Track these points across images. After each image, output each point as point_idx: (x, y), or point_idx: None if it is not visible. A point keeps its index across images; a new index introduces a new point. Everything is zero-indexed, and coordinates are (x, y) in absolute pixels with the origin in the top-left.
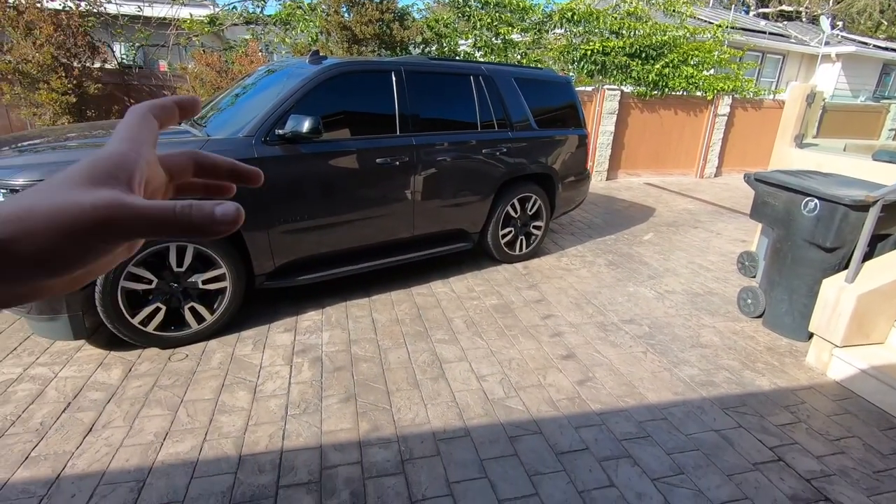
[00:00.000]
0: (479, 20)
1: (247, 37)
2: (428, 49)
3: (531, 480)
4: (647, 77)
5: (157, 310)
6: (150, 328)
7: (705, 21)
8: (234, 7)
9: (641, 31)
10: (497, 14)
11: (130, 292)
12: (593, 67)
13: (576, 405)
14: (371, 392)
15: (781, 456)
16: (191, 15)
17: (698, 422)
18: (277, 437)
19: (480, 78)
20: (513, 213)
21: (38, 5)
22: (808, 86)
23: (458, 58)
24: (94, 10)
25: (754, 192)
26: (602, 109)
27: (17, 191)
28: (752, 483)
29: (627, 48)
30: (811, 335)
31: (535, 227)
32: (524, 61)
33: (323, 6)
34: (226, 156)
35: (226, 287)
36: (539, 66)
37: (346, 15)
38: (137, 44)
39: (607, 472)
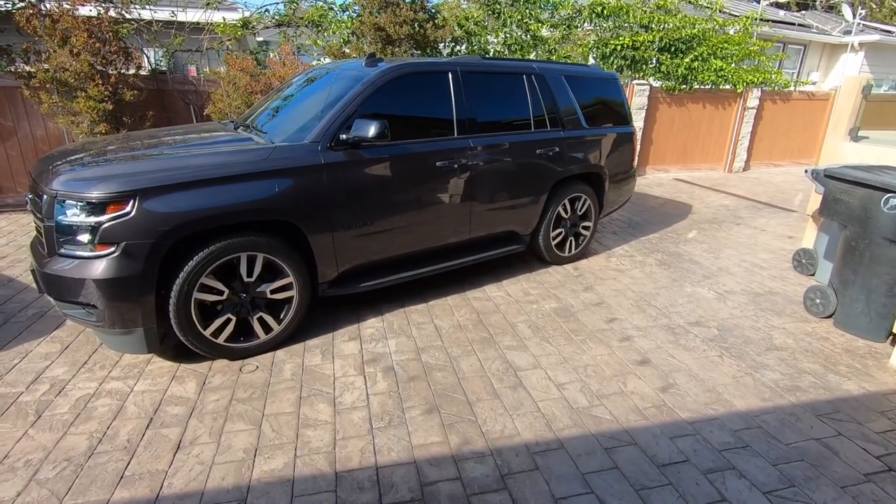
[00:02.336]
0: (510, 17)
1: (259, 39)
2: (458, 48)
3: (639, 495)
4: (677, 71)
5: (228, 321)
6: (221, 339)
7: (728, 14)
8: (266, 10)
9: (671, 25)
10: (527, 10)
11: (201, 304)
12: (623, 62)
13: (664, 413)
14: (452, 403)
15: (891, 465)
16: (224, 19)
17: (795, 430)
18: (369, 451)
19: (533, 77)
20: (563, 214)
21: (72, 13)
22: (863, 77)
23: (487, 55)
24: (126, 17)
25: (824, 189)
26: (631, 105)
27: (93, 204)
28: (870, 496)
29: (657, 42)
30: (890, 336)
31: (583, 227)
32: (553, 57)
33: (356, 7)
34: (292, 163)
35: (292, 296)
36: (568, 62)
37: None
38: (171, 49)
39: (715, 485)
